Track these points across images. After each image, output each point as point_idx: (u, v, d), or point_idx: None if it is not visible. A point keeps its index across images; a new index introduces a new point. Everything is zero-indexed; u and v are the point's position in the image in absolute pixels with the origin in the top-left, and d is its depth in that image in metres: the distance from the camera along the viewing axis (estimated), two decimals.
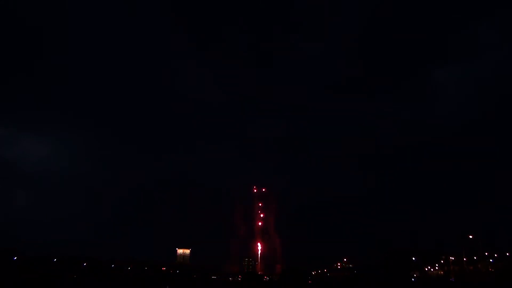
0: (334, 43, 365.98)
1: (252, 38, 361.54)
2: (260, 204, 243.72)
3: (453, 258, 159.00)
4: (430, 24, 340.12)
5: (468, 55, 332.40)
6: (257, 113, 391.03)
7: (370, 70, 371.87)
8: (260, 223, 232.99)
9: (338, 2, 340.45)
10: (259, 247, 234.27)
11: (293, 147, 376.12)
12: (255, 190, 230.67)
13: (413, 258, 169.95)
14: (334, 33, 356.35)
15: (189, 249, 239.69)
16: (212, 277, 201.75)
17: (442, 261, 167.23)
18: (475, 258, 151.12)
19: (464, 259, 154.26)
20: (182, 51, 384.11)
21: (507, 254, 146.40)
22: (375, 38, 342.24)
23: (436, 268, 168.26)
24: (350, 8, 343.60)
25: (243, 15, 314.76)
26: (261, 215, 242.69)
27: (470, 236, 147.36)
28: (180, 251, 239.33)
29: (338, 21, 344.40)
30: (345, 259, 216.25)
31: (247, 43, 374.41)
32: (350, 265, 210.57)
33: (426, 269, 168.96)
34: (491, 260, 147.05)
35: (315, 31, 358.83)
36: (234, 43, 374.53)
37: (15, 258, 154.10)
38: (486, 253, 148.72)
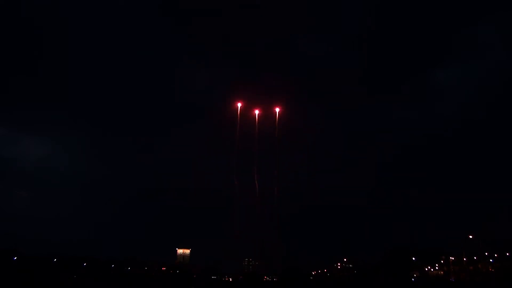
0: (334, 43, 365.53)
1: (252, 38, 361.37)
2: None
3: (453, 258, 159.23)
4: (430, 24, 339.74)
5: (468, 55, 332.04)
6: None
7: (370, 70, 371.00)
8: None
9: (339, 2, 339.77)
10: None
11: (293, 147, 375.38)
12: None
13: (413, 258, 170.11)
14: (333, 33, 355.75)
15: (189, 249, 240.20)
16: (212, 277, 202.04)
17: (442, 261, 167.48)
18: (475, 258, 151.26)
19: (464, 259, 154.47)
20: (182, 51, 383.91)
21: (507, 254, 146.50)
22: (375, 38, 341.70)
23: (436, 268, 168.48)
24: (350, 8, 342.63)
25: (243, 15, 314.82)
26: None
27: (470, 236, 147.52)
28: (180, 251, 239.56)
29: (338, 21, 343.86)
30: (345, 259, 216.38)
31: (247, 43, 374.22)
32: (350, 265, 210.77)
33: (426, 269, 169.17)
34: (491, 260, 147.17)
35: (315, 31, 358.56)
36: (234, 43, 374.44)
37: (15, 258, 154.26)
38: (486, 253, 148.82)
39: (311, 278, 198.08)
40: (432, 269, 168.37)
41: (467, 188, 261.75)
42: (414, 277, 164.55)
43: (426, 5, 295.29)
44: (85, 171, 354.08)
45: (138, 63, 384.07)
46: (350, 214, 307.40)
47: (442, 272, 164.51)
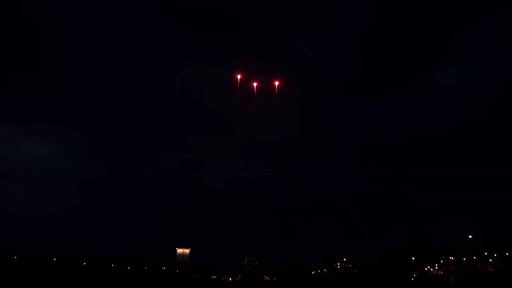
0: (334, 43, 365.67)
1: (252, 38, 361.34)
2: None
3: (452, 258, 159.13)
4: (430, 24, 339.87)
5: (468, 55, 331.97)
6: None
7: (370, 70, 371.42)
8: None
9: (339, 2, 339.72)
10: None
11: (293, 147, 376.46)
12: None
13: (413, 258, 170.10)
14: (333, 33, 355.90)
15: (189, 249, 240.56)
16: (212, 277, 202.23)
17: (442, 261, 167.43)
18: (474, 258, 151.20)
19: (464, 259, 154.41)
20: (182, 51, 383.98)
21: (507, 254, 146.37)
22: (375, 38, 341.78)
23: (436, 268, 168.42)
24: (350, 8, 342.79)
25: (243, 15, 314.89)
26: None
27: (470, 236, 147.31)
28: (180, 251, 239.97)
29: (338, 21, 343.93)
30: (345, 259, 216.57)
31: (247, 43, 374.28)
32: (350, 265, 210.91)
33: (426, 269, 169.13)
34: (490, 260, 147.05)
35: (315, 31, 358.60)
36: (234, 43, 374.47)
37: (15, 258, 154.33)
38: (486, 253, 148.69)
39: (309, 277, 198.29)
40: (432, 269, 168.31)
41: (466, 188, 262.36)
42: (414, 277, 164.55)
43: (426, 5, 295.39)
44: (85, 171, 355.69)
45: (138, 63, 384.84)
46: (351, 214, 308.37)
47: (442, 272, 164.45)
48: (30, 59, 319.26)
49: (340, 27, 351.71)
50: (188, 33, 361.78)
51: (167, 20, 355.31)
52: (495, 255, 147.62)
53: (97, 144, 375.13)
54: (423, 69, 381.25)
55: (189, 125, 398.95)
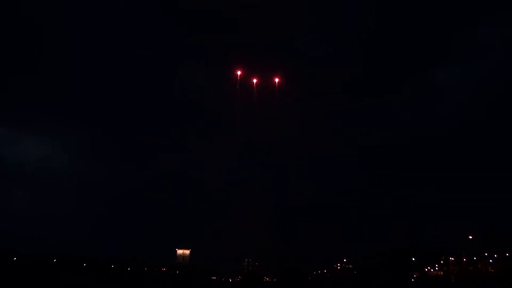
0: (334, 43, 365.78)
1: (252, 38, 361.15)
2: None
3: (453, 259, 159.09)
4: (430, 24, 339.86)
5: (468, 55, 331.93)
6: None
7: (370, 70, 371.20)
8: None
9: (339, 2, 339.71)
10: None
11: (293, 147, 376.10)
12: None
13: (413, 259, 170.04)
14: (333, 33, 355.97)
15: (189, 249, 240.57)
16: (212, 277, 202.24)
17: (442, 261, 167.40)
18: (475, 258, 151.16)
19: (464, 259, 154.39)
20: (182, 51, 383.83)
21: (507, 254, 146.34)
22: (375, 38, 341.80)
23: (436, 268, 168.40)
24: (350, 8, 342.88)
25: (243, 15, 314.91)
26: None
27: (470, 237, 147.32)
28: (180, 251, 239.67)
29: (338, 21, 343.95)
30: (345, 259, 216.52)
31: (247, 43, 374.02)
32: (350, 266, 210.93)
33: (426, 269, 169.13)
34: (490, 261, 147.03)
35: (315, 31, 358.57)
36: (234, 43, 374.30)
37: (15, 258, 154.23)
38: (486, 253, 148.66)
39: (309, 278, 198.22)
40: (432, 270, 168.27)
41: (466, 188, 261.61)
42: (414, 278, 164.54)
43: (426, 5, 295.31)
44: (85, 171, 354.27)
45: (138, 63, 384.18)
46: (351, 214, 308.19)
47: (442, 273, 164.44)
48: (30, 59, 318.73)
49: (340, 27, 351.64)
50: (188, 33, 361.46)
51: (167, 20, 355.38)
52: (495, 255, 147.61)
53: (97, 144, 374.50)
54: (423, 69, 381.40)
55: (189, 125, 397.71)
